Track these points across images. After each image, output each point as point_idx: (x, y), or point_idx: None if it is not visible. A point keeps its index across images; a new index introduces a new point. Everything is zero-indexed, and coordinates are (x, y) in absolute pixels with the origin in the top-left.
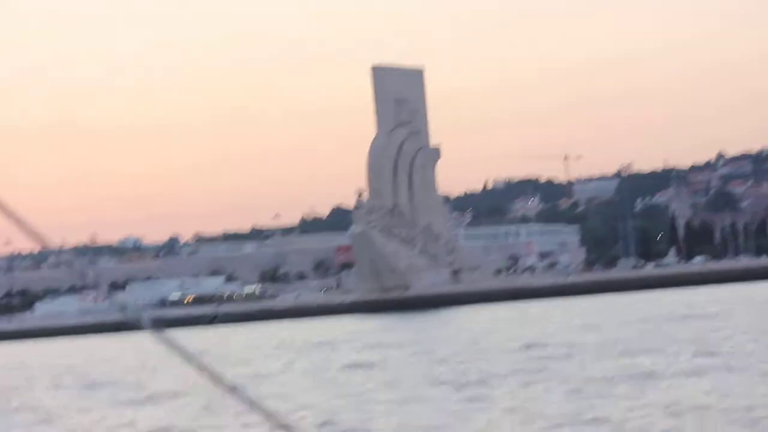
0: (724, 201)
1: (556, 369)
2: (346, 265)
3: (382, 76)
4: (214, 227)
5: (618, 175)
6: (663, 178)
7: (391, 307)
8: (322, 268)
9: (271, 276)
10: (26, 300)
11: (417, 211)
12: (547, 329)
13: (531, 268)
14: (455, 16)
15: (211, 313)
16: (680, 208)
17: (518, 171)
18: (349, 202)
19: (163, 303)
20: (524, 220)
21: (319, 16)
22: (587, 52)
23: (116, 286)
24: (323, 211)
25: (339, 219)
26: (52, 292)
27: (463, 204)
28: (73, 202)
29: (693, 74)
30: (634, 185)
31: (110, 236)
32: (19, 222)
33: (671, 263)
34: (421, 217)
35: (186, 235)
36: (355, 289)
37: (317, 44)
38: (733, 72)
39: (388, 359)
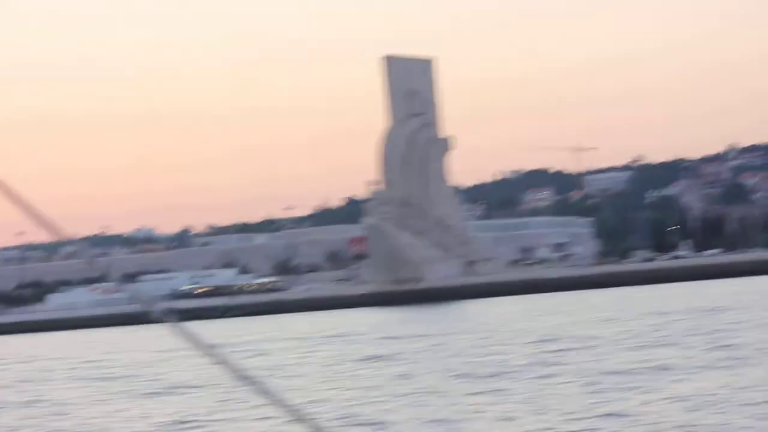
0: (737, 193)
1: (570, 362)
2: (359, 257)
3: (394, 66)
4: (227, 218)
5: (630, 166)
6: (674, 170)
7: (404, 299)
8: (334, 259)
9: (284, 268)
10: (39, 292)
11: (429, 203)
12: (560, 322)
13: (543, 261)
14: (467, 7)
15: (223, 305)
16: (692, 199)
17: (530, 163)
18: (362, 194)
19: (175, 295)
20: (536, 212)
21: (331, 10)
22: (599, 47)
23: (128, 278)
24: (336, 202)
25: (352, 210)
26: (64, 284)
27: (475, 195)
28: (86, 193)
29: (704, 69)
30: (646, 177)
31: (122, 227)
32: (31, 213)
33: (684, 255)
34: (433, 209)
35: (198, 226)
36: (368, 280)
37: (329, 37)
38: (744, 68)
39: (403, 352)
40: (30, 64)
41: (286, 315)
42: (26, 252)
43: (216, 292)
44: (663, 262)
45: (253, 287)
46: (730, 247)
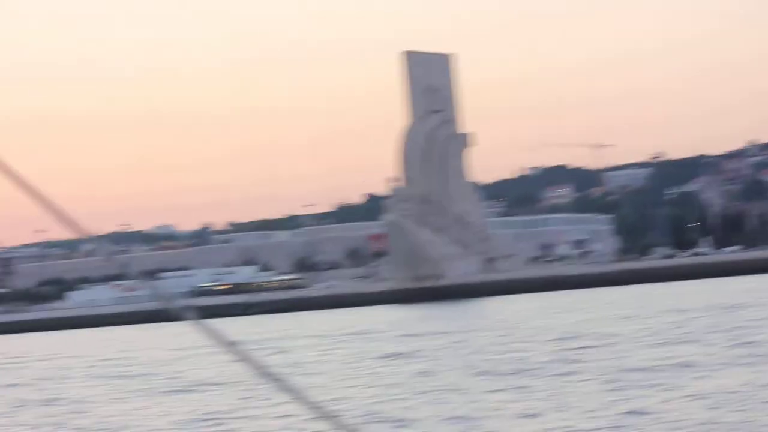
0: (757, 189)
1: (591, 359)
2: (380, 254)
3: (413, 62)
4: (247, 215)
5: (650, 163)
6: (694, 166)
7: (424, 296)
8: (355, 256)
9: (304, 265)
10: (59, 289)
11: (449, 200)
12: (580, 319)
13: (564, 257)
14: (486, 4)
15: (244, 302)
16: (712, 196)
17: (550, 159)
18: (382, 190)
19: (196, 292)
20: (556, 208)
21: (352, 6)
22: (623, 43)
23: (148, 275)
24: (356, 199)
25: (372, 207)
26: (85, 281)
27: (494, 192)
28: (107, 190)
29: (725, 64)
30: (666, 173)
31: (143, 224)
32: (52, 210)
33: (704, 252)
34: (453, 206)
35: (218, 223)
36: (389, 277)
37: (349, 33)
38: (764, 65)
39: (423, 349)
40: (39, 63)
41: (307, 312)
42: (46, 249)
43: (236, 289)
44: (683, 259)
45: (274, 284)
46: (750, 243)
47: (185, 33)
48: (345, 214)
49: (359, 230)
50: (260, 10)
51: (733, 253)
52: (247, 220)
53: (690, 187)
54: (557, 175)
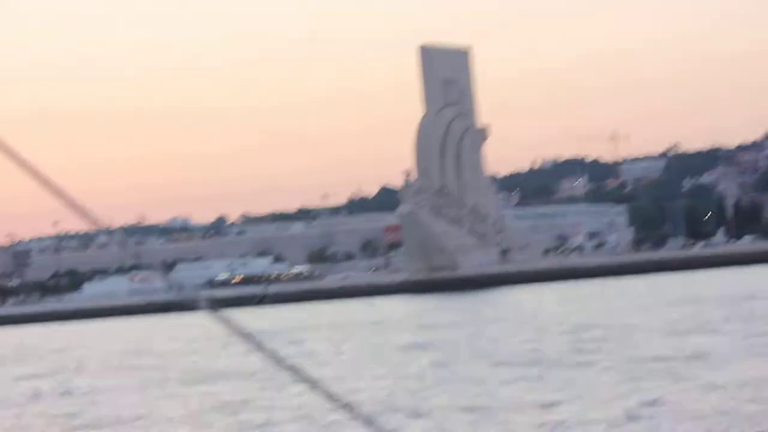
0: None
1: (606, 350)
2: (394, 245)
3: (430, 56)
4: (262, 207)
5: (665, 154)
6: (710, 158)
7: (439, 287)
8: (369, 248)
9: (319, 256)
10: (74, 280)
11: (465, 191)
12: (596, 310)
13: (579, 248)
14: None
15: (259, 293)
16: (728, 187)
17: (566, 151)
18: (397, 182)
19: (211, 283)
20: (572, 200)
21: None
22: (640, 34)
23: (164, 267)
24: (371, 191)
25: (387, 199)
26: (100, 273)
27: (510, 184)
28: (122, 182)
29: (740, 55)
30: (682, 165)
31: (158, 216)
32: (68, 202)
33: (720, 243)
34: (468, 197)
35: (233, 215)
36: (403, 269)
37: (365, 25)
38: None
39: (438, 340)
40: (46, 61)
41: (322, 303)
42: (62, 241)
43: (251, 280)
44: (698, 249)
45: (289, 276)
46: (766, 234)
47: (204, 28)
48: (360, 206)
49: (374, 222)
50: (275, 4)
51: (748, 244)
52: (262, 212)
53: (705, 178)
54: (572, 166)
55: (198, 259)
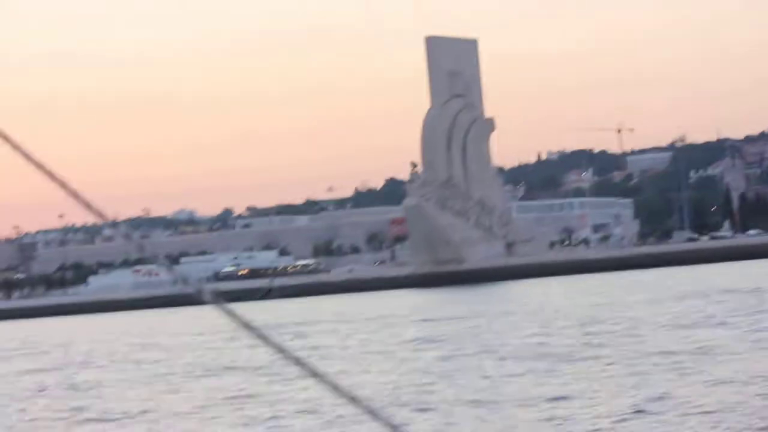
0: None
1: (613, 344)
2: (400, 238)
3: (436, 47)
4: (268, 200)
5: (672, 146)
6: (717, 150)
7: (445, 280)
8: (375, 241)
9: (325, 249)
10: (80, 273)
11: (471, 184)
12: (602, 303)
13: (585, 241)
14: None
15: (265, 286)
16: (734, 179)
17: (572, 143)
18: (403, 175)
19: (217, 276)
20: (578, 192)
21: None
22: (645, 25)
23: (170, 260)
24: (377, 183)
25: (392, 191)
26: (105, 266)
27: (516, 176)
28: (127, 175)
29: (745, 46)
30: (688, 157)
31: (164, 209)
32: (73, 195)
33: (726, 236)
34: (475, 190)
35: (239, 208)
36: (409, 262)
37: (370, 16)
38: None
39: (446, 334)
40: (47, 50)
41: (327, 297)
42: (67, 234)
43: (257, 273)
44: (704, 242)
45: (294, 269)
46: None
47: (209, 17)
48: (365, 198)
49: (380, 215)
50: None
51: (754, 237)
52: (268, 205)
53: (712, 170)
54: (579, 159)
55: (203, 251)
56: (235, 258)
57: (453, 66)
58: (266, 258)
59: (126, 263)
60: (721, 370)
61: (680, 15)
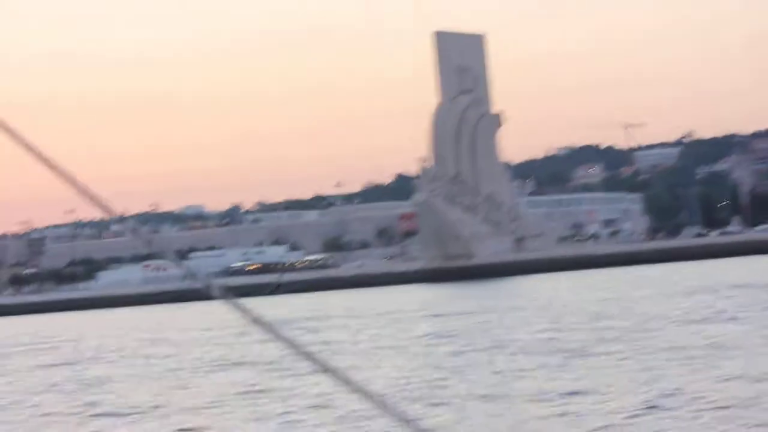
0: None
1: (626, 339)
2: (409, 233)
3: (444, 42)
4: (277, 195)
5: (680, 142)
6: (725, 145)
7: (454, 275)
8: (384, 236)
9: (334, 244)
10: (89, 269)
11: (480, 179)
12: (611, 298)
13: (594, 237)
14: None
15: (274, 281)
16: (743, 175)
17: (581, 138)
18: (412, 170)
19: (226, 272)
20: (587, 188)
21: None
22: (654, 21)
23: (179, 255)
24: (386, 178)
25: (402, 186)
26: (115, 261)
27: (525, 171)
28: (136, 170)
29: (753, 42)
30: (697, 153)
31: (173, 204)
32: (82, 190)
33: (735, 231)
34: (483, 185)
35: (248, 203)
36: (419, 257)
37: (379, 12)
38: None
39: (456, 329)
40: (55, 48)
41: (337, 292)
42: (77, 229)
43: (266, 269)
44: (713, 238)
45: (304, 264)
46: None
47: (216, 14)
48: (375, 193)
49: (389, 210)
50: None
51: (763, 232)
52: (277, 200)
53: (720, 166)
54: (588, 154)
55: (213, 247)
56: (245, 253)
57: (461, 61)
58: (275, 253)
59: (135, 258)
60: (733, 365)
61: (689, 11)
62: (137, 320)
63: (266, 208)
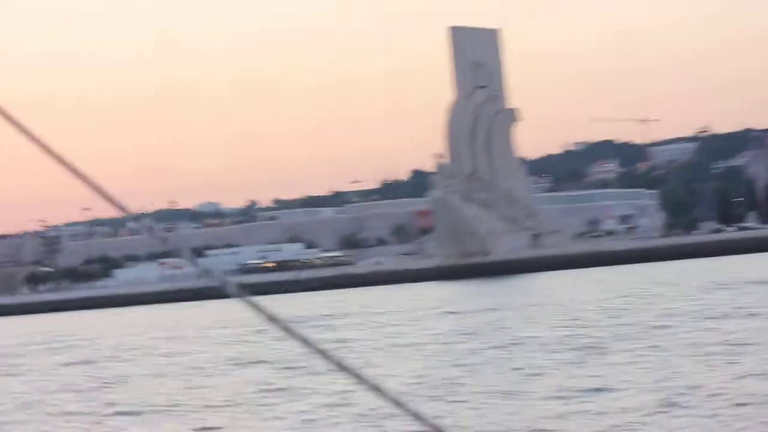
0: None
1: (643, 336)
2: (426, 230)
3: (460, 38)
4: (293, 192)
5: (696, 137)
6: (741, 140)
7: (471, 272)
8: (401, 233)
9: (350, 242)
10: (106, 267)
11: (496, 175)
12: (630, 295)
13: (610, 233)
14: None
15: (291, 279)
16: (759, 170)
17: (596, 134)
18: (428, 166)
19: (242, 269)
20: (602, 183)
21: None
22: (669, 14)
23: (195, 252)
24: (402, 175)
25: (418, 183)
26: (131, 259)
27: (541, 167)
28: (153, 167)
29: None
30: (713, 148)
31: (189, 201)
32: (97, 189)
33: (752, 227)
34: (500, 181)
35: (264, 200)
36: (435, 254)
37: (394, 8)
38: None
39: (474, 326)
40: (63, 48)
41: (354, 289)
42: (93, 227)
43: (282, 266)
44: (729, 233)
45: (320, 261)
46: None
47: (211, 17)
48: (391, 190)
49: (405, 207)
50: None
51: None
52: (293, 197)
53: (736, 161)
54: (603, 150)
55: (229, 244)
56: (261, 250)
57: (477, 56)
58: (292, 250)
59: (152, 256)
60: (751, 362)
61: (705, 3)
62: (154, 318)
63: (283, 205)
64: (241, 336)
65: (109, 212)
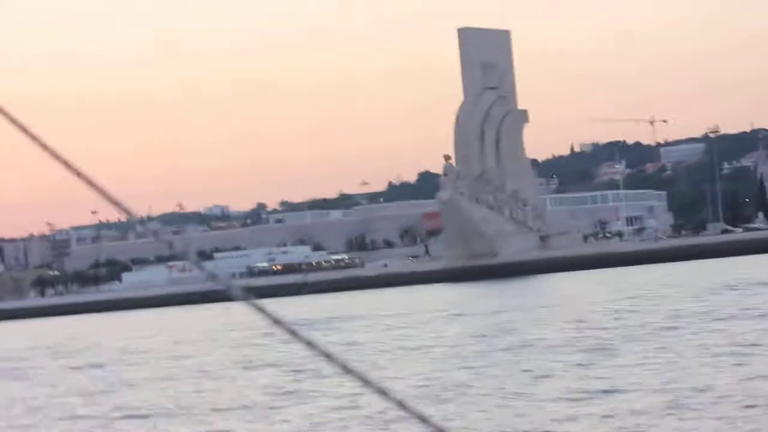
0: None
1: (652, 337)
2: (434, 232)
3: (469, 38)
4: (301, 195)
5: (705, 138)
6: (750, 141)
7: (479, 274)
8: (409, 235)
9: (358, 244)
10: (114, 270)
11: (505, 177)
12: (638, 296)
13: (619, 234)
14: None
15: (299, 281)
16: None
17: (605, 135)
18: (437, 168)
19: (250, 272)
20: (611, 184)
21: None
22: (677, 14)
23: (203, 255)
24: (410, 177)
25: (426, 184)
26: (139, 262)
27: (550, 169)
28: (153, 167)
29: None
30: (722, 148)
31: (197, 204)
32: (103, 192)
33: (761, 228)
34: (508, 183)
35: (272, 203)
36: (443, 256)
37: (403, 8)
38: None
39: (482, 328)
40: (65, 49)
41: (362, 291)
42: (101, 230)
43: (291, 269)
44: (738, 234)
45: (328, 264)
46: None
47: (218, 15)
48: (399, 192)
49: (413, 209)
50: None
51: None
52: (301, 200)
53: (745, 162)
54: (612, 151)
55: (237, 247)
56: (269, 253)
57: (486, 57)
58: (300, 253)
59: (160, 259)
60: (760, 363)
61: (713, 2)
62: (162, 322)
63: (290, 208)
64: (249, 339)
65: (117, 215)
